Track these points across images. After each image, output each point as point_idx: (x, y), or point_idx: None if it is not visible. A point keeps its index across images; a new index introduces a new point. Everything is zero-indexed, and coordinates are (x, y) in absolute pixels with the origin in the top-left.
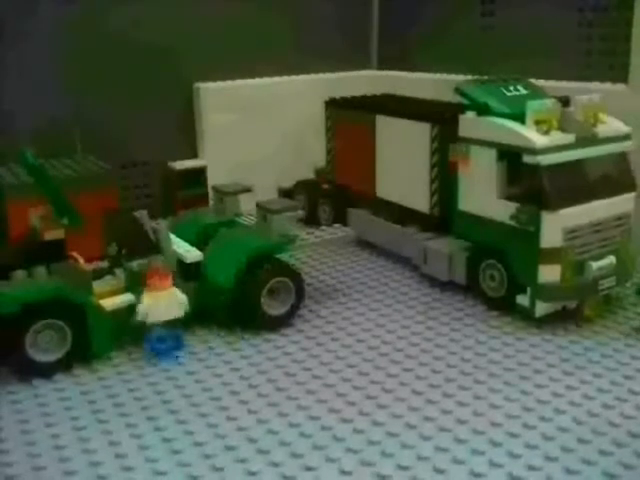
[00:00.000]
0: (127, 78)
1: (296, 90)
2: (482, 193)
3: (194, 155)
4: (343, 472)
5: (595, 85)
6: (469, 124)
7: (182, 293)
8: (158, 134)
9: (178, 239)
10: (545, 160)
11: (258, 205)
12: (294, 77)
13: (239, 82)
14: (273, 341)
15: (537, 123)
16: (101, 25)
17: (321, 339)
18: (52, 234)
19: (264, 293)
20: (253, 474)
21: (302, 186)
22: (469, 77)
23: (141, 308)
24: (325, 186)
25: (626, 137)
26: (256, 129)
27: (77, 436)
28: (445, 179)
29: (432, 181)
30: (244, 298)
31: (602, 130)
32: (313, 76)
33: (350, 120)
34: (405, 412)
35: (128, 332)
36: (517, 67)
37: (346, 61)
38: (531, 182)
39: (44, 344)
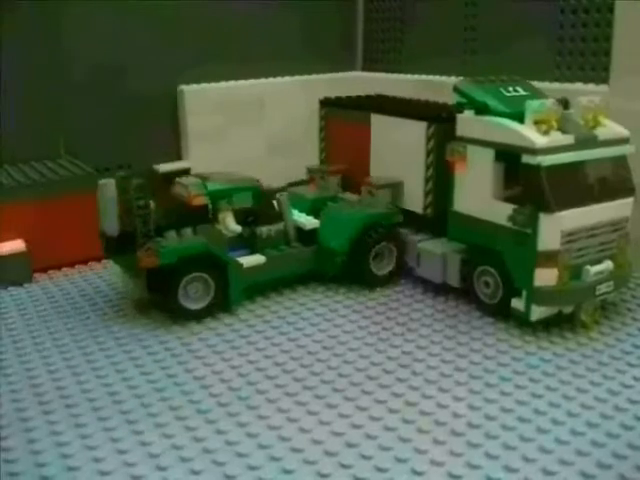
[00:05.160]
0: (111, 80)
1: (282, 92)
2: (478, 194)
3: (179, 157)
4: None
5: (577, 86)
6: (467, 123)
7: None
8: (142, 136)
9: (295, 210)
10: (545, 161)
11: (365, 182)
12: (279, 79)
13: (223, 84)
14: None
15: (536, 123)
16: (84, 27)
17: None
18: (199, 200)
19: (372, 256)
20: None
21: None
22: (453, 78)
23: None
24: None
25: (626, 140)
26: (242, 131)
27: (79, 433)
28: (440, 179)
29: (427, 181)
30: (355, 260)
31: (602, 132)
32: (298, 78)
33: (345, 119)
34: (398, 424)
35: (257, 288)
36: (500, 68)
37: (331, 63)
38: (529, 183)
39: (192, 294)
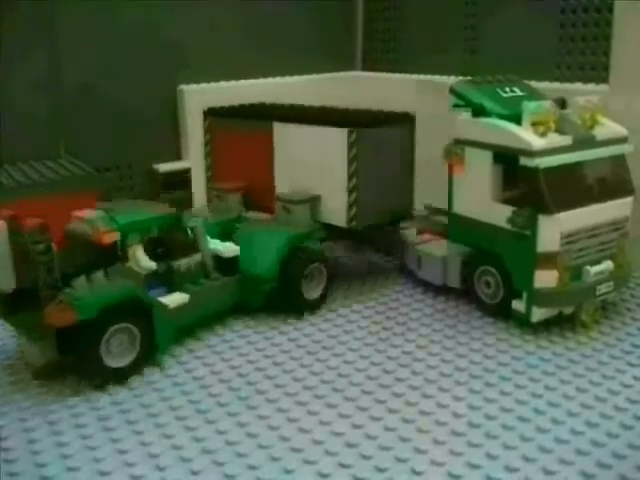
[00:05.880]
0: (110, 80)
1: (281, 91)
2: (477, 196)
3: (179, 157)
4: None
5: (577, 86)
6: (464, 125)
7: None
8: (142, 136)
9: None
10: (543, 163)
11: (279, 198)
12: (279, 79)
13: (223, 84)
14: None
15: (534, 125)
16: (84, 27)
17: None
18: (110, 237)
19: (303, 279)
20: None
21: None
22: (452, 78)
23: None
24: None
25: (624, 140)
26: None
27: (79, 434)
28: (366, 189)
29: (350, 192)
30: (286, 285)
31: (600, 132)
32: (298, 78)
33: (237, 130)
34: (398, 424)
35: (183, 330)
36: (500, 67)
37: (331, 62)
38: (528, 185)
39: (115, 349)
